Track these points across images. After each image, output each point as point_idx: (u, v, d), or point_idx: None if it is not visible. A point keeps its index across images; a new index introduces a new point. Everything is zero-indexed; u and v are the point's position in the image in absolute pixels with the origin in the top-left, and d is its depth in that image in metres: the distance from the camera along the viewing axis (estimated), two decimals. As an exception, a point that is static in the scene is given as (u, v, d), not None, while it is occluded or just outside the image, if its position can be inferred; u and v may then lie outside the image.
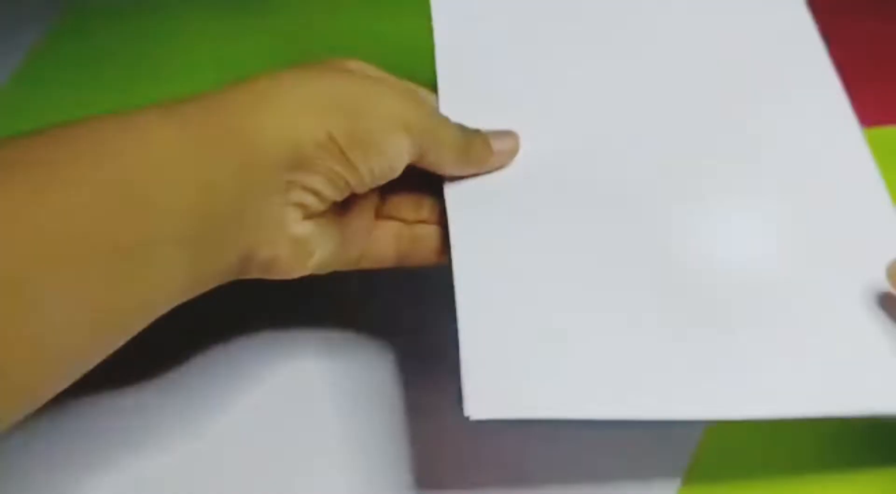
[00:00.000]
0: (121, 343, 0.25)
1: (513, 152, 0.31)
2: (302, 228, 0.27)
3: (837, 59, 0.49)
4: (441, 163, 0.29)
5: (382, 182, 0.28)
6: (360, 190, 0.28)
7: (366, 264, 0.31)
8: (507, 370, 0.23)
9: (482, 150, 0.30)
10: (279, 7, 0.57)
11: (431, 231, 0.31)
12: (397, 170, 0.28)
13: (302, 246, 0.27)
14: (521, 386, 0.23)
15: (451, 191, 0.30)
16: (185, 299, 0.26)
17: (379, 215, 0.32)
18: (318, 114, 0.26)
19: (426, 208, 0.32)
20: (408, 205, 0.32)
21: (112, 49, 0.53)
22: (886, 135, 0.43)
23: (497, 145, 0.31)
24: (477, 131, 0.31)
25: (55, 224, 0.21)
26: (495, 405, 0.22)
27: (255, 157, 0.25)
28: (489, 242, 0.28)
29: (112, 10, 0.57)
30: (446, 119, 0.30)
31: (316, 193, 0.27)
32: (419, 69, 0.49)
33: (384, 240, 0.31)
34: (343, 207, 0.29)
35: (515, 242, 0.28)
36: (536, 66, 0.34)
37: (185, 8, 0.57)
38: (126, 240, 0.23)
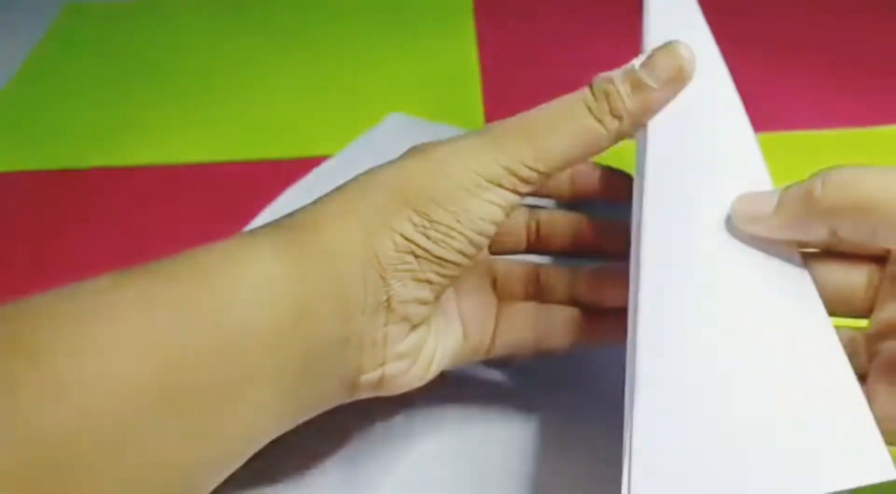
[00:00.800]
0: None
1: (682, 74, 0.23)
2: (410, 341, 0.24)
3: (838, 59, 0.49)
4: (566, 159, 0.23)
5: (480, 250, 0.24)
6: (459, 274, 0.24)
7: (500, 352, 0.27)
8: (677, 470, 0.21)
9: (624, 98, 0.23)
10: (276, 4, 0.57)
11: (565, 312, 0.27)
12: (490, 230, 0.23)
13: (414, 356, 0.24)
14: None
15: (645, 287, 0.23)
16: (277, 435, 0.23)
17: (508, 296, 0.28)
18: (387, 215, 0.22)
19: (552, 285, 0.28)
20: (521, 280, 0.28)
21: (111, 49, 0.53)
22: (887, 135, 0.43)
23: (653, 75, 0.23)
24: (616, 75, 0.23)
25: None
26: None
27: (349, 279, 0.22)
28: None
29: (111, 10, 0.57)
30: (551, 109, 0.23)
31: (416, 301, 0.23)
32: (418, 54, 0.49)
33: (517, 323, 0.27)
34: (458, 293, 0.26)
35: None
36: None
37: (183, 7, 0.57)
38: (214, 379, 0.20)
